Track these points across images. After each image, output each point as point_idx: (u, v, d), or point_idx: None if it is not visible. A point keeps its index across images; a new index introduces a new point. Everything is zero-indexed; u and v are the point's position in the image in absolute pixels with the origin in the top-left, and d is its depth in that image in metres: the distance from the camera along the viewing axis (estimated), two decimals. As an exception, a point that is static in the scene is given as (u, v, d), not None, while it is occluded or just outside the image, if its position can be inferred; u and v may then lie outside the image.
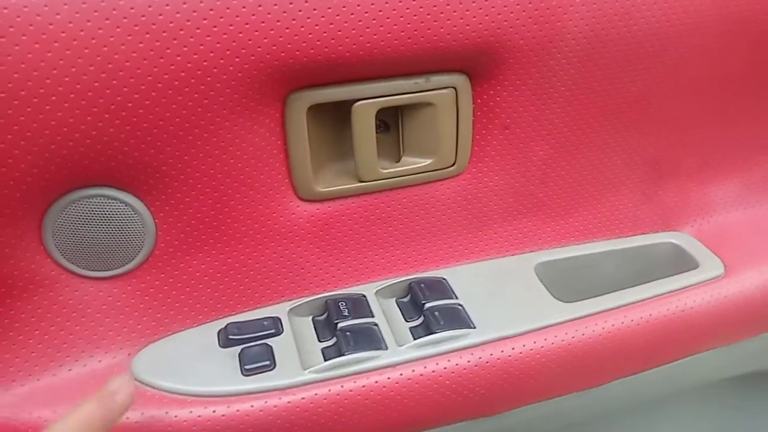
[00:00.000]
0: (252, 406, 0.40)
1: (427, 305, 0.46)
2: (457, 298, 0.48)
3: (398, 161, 0.47)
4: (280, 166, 0.43)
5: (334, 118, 0.44)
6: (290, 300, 0.47)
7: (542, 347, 0.46)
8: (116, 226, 0.40)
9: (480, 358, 0.44)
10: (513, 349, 0.45)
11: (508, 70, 0.44)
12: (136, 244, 0.41)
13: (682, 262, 0.54)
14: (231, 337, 0.43)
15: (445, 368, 0.43)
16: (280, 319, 0.45)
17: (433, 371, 0.43)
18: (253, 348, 0.42)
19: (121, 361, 0.42)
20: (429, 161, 0.46)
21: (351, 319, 0.45)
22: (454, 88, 0.44)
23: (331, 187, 0.45)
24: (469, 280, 0.49)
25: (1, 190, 0.36)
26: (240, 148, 0.41)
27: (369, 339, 0.44)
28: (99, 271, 0.41)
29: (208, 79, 0.37)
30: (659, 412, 0.72)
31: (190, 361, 0.42)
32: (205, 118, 0.39)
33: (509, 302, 0.48)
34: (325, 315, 0.47)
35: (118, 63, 0.35)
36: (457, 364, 0.44)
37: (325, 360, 0.43)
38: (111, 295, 0.42)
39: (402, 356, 0.43)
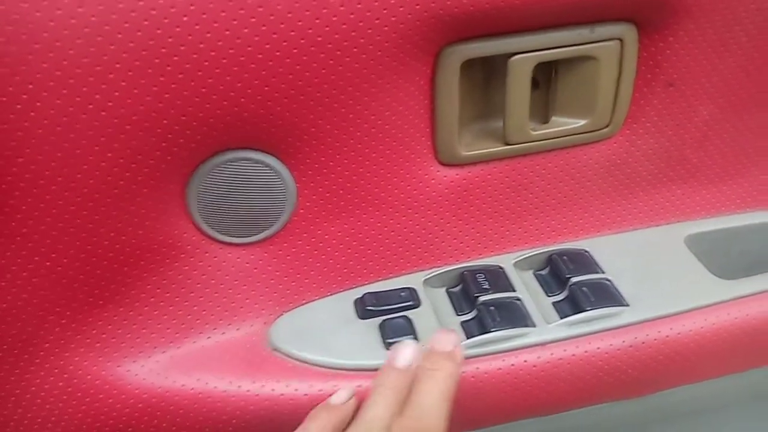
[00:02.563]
0: None
1: (573, 279, 0.43)
2: (603, 272, 0.44)
3: (546, 122, 0.43)
4: (425, 127, 0.40)
5: (485, 74, 0.40)
6: (423, 270, 0.44)
7: (702, 328, 0.42)
8: (259, 190, 0.38)
9: (636, 338, 0.41)
10: (671, 329, 0.41)
11: (684, 17, 0.39)
12: (277, 209, 0.39)
13: None
14: (369, 308, 0.41)
15: (598, 348, 0.40)
16: (416, 291, 0.42)
17: (586, 351, 0.40)
18: (393, 320, 0.40)
19: (259, 330, 0.40)
20: (582, 122, 0.42)
21: (492, 292, 0.42)
22: (620, 39, 0.39)
23: (475, 151, 0.41)
24: (614, 253, 0.45)
25: (150, 156, 0.34)
26: (386, 110, 0.37)
27: (514, 315, 0.41)
28: (240, 237, 0.39)
29: (357, 36, 0.34)
30: None
31: (330, 332, 0.40)
32: (353, 79, 0.35)
33: (662, 277, 0.44)
34: (460, 287, 0.44)
35: (272, 24, 0.32)
36: (611, 345, 0.40)
37: (467, 335, 0.40)
38: (249, 263, 0.40)
39: (553, 335, 0.40)
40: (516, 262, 0.45)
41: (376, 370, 0.38)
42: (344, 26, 0.33)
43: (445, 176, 0.42)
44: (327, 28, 0.33)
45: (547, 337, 0.40)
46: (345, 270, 0.42)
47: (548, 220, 0.46)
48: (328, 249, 0.41)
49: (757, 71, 0.42)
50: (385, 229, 0.42)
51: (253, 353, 0.39)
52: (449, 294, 0.44)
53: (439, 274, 0.44)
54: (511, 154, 0.42)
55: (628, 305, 0.42)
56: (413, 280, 0.43)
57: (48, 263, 0.34)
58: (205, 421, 0.38)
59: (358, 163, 0.39)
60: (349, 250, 0.42)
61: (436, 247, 0.44)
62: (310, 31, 0.33)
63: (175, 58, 0.31)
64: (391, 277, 0.43)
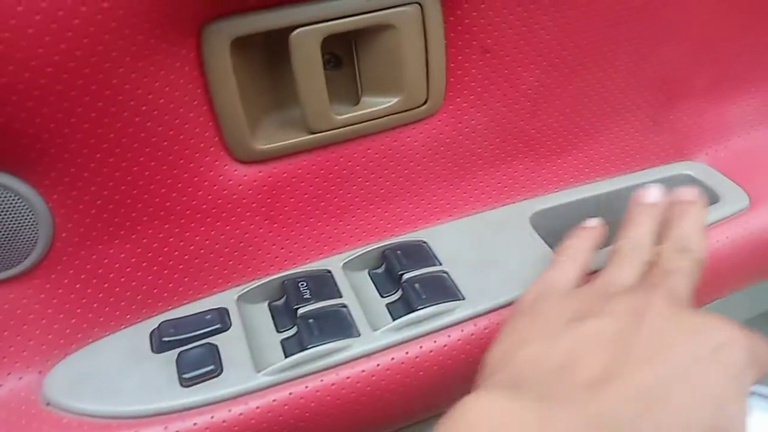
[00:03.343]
0: (195, 424, 0.32)
1: (406, 276, 0.38)
2: (440, 264, 0.40)
3: (356, 104, 0.38)
4: (206, 121, 0.34)
5: (269, 55, 0.35)
6: (238, 285, 0.39)
7: None
8: (2, 216, 0.31)
9: (471, 334, 0.37)
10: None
11: None
12: (29, 236, 0.32)
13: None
14: (165, 339, 0.35)
15: (431, 351, 0.36)
16: (227, 310, 0.37)
17: (417, 357, 0.36)
18: (192, 350, 0.34)
19: (31, 382, 0.33)
20: (394, 100, 0.37)
21: (314, 302, 0.37)
22: (419, 3, 0.35)
23: (274, 143, 0.36)
24: (454, 241, 0.41)
25: None
26: (153, 106, 0.31)
27: (337, 325, 0.36)
28: (-6, 272, 0.32)
29: (95, 14, 0.28)
30: None
31: (118, 374, 0.33)
32: (100, 70, 0.29)
33: (504, 263, 0.40)
34: (283, 299, 0.38)
35: None
36: (445, 345, 0.36)
37: (285, 354, 0.35)
38: (10, 303, 0.33)
39: (378, 342, 0.35)
40: (346, 263, 0.40)
41: (168, 413, 0.32)
42: (82, 8, 0.27)
43: (244, 175, 0.36)
44: (60, 13, 0.27)
45: (372, 346, 0.35)
46: (138, 297, 0.36)
47: (380, 213, 0.41)
48: (111, 275, 0.35)
49: (575, 31, 0.39)
50: (182, 243, 0.36)
51: (21, 413, 0.32)
52: (271, 308, 0.38)
53: (256, 287, 0.38)
54: (319, 144, 0.37)
55: (463, 298, 0.37)
56: (226, 298, 0.38)
57: None
58: None
59: (130, 171, 0.33)
60: (139, 274, 0.36)
61: (251, 257, 0.38)
62: (20, 9, 0.26)
63: None
64: (199, 299, 0.38)
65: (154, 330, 0.35)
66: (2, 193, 0.31)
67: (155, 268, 0.36)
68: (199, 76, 0.32)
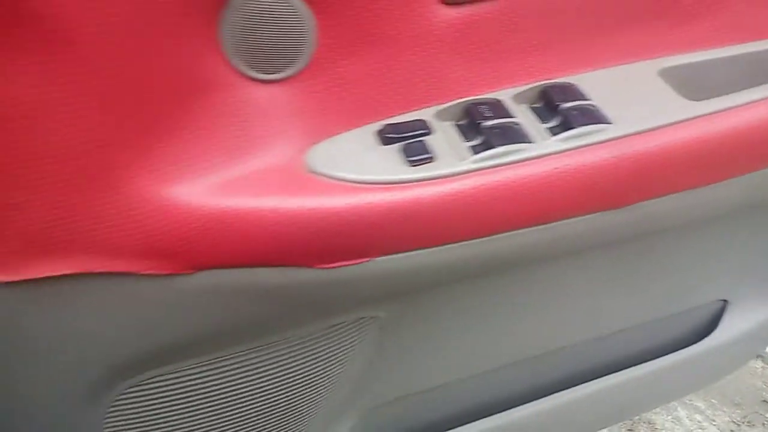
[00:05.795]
0: (422, 192, 0.44)
1: (563, 105, 0.49)
2: (589, 99, 0.50)
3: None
4: None
5: None
6: (431, 106, 0.49)
7: (671, 142, 0.49)
8: (281, 27, 0.42)
9: (619, 151, 0.47)
10: (646, 143, 0.48)
11: None
12: (300, 46, 0.43)
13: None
14: (389, 135, 0.46)
15: (587, 161, 0.47)
16: (427, 122, 0.48)
17: (578, 163, 0.47)
18: (413, 144, 0.45)
19: (295, 156, 0.45)
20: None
21: (494, 119, 0.48)
22: None
23: (473, -9, 0.46)
24: (596, 85, 0.51)
25: None
26: None
27: (515, 134, 0.47)
28: (267, 73, 0.43)
29: None
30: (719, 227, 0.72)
31: (359, 156, 0.45)
32: None
33: (638, 102, 0.50)
34: (467, 119, 0.49)
35: None
36: (599, 157, 0.47)
37: (474, 153, 0.46)
38: (278, 97, 0.44)
39: (548, 149, 0.46)
40: (513, 96, 0.50)
41: (404, 183, 0.44)
42: None
43: (446, 15, 0.46)
44: None
45: (544, 150, 0.46)
46: (364, 105, 0.47)
47: (538, 57, 0.51)
48: (348, 86, 0.46)
49: None
50: (396, 66, 0.47)
51: (294, 176, 0.44)
52: (456, 126, 0.49)
53: (445, 108, 0.49)
54: None
55: (611, 123, 0.48)
56: (424, 114, 0.49)
57: (110, 99, 0.38)
58: (257, 235, 0.43)
59: (366, 3, 0.43)
60: (366, 86, 0.47)
61: (442, 83, 0.49)
62: None
63: None
64: (404, 113, 0.49)
65: (377, 130, 0.47)
66: (287, 7, 0.41)
67: (377, 83, 0.47)
68: None
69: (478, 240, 0.48)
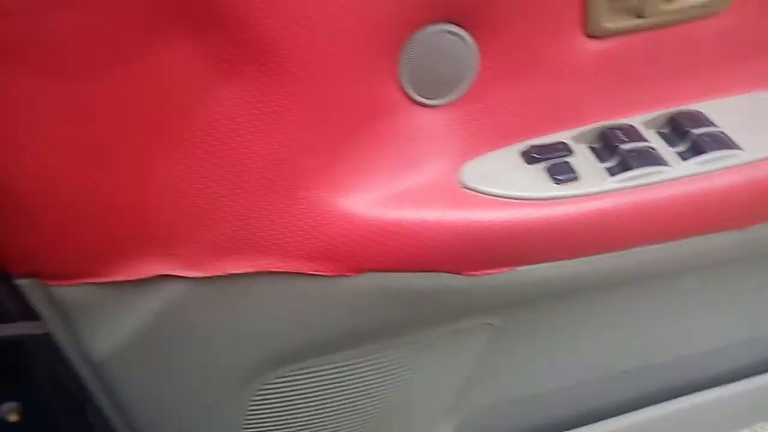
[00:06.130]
0: (567, 209, 0.48)
1: (693, 131, 0.52)
2: (717, 126, 0.53)
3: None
4: (576, 3, 0.48)
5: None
6: (567, 129, 0.53)
7: None
8: (451, 57, 0.47)
9: (751, 175, 0.50)
10: None
11: None
12: (463, 72, 0.48)
13: None
14: (534, 155, 0.50)
15: (721, 184, 0.50)
16: (567, 143, 0.52)
17: (711, 185, 0.50)
18: (558, 164, 0.50)
19: (450, 174, 0.50)
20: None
21: (630, 143, 0.51)
22: None
23: (616, 24, 0.50)
24: (723, 113, 0.55)
25: (377, 24, 0.43)
26: None
27: (652, 157, 0.50)
28: (433, 98, 0.48)
29: None
30: None
31: (507, 173, 0.50)
32: None
33: (765, 129, 0.53)
34: (601, 142, 0.53)
35: None
36: (731, 180, 0.50)
37: (611, 175, 0.50)
38: (438, 121, 0.49)
39: (684, 171, 0.50)
40: (643, 122, 0.54)
41: (551, 199, 0.48)
42: None
43: (589, 47, 0.51)
44: None
45: (681, 173, 0.50)
46: (510, 127, 0.52)
47: (669, 86, 0.55)
48: (499, 110, 0.51)
49: None
50: (542, 93, 0.51)
51: (452, 191, 0.49)
52: (590, 148, 0.53)
53: (582, 131, 0.53)
54: (644, 27, 0.51)
55: (742, 149, 0.51)
56: (562, 136, 0.53)
57: (307, 117, 0.43)
58: (420, 243, 0.48)
59: (522, 37, 0.48)
60: (513, 111, 0.51)
61: (579, 108, 0.53)
62: None
63: None
64: (543, 135, 0.53)
65: (523, 151, 0.51)
66: (458, 42, 0.46)
67: (524, 107, 0.51)
68: None
69: (608, 254, 0.52)
